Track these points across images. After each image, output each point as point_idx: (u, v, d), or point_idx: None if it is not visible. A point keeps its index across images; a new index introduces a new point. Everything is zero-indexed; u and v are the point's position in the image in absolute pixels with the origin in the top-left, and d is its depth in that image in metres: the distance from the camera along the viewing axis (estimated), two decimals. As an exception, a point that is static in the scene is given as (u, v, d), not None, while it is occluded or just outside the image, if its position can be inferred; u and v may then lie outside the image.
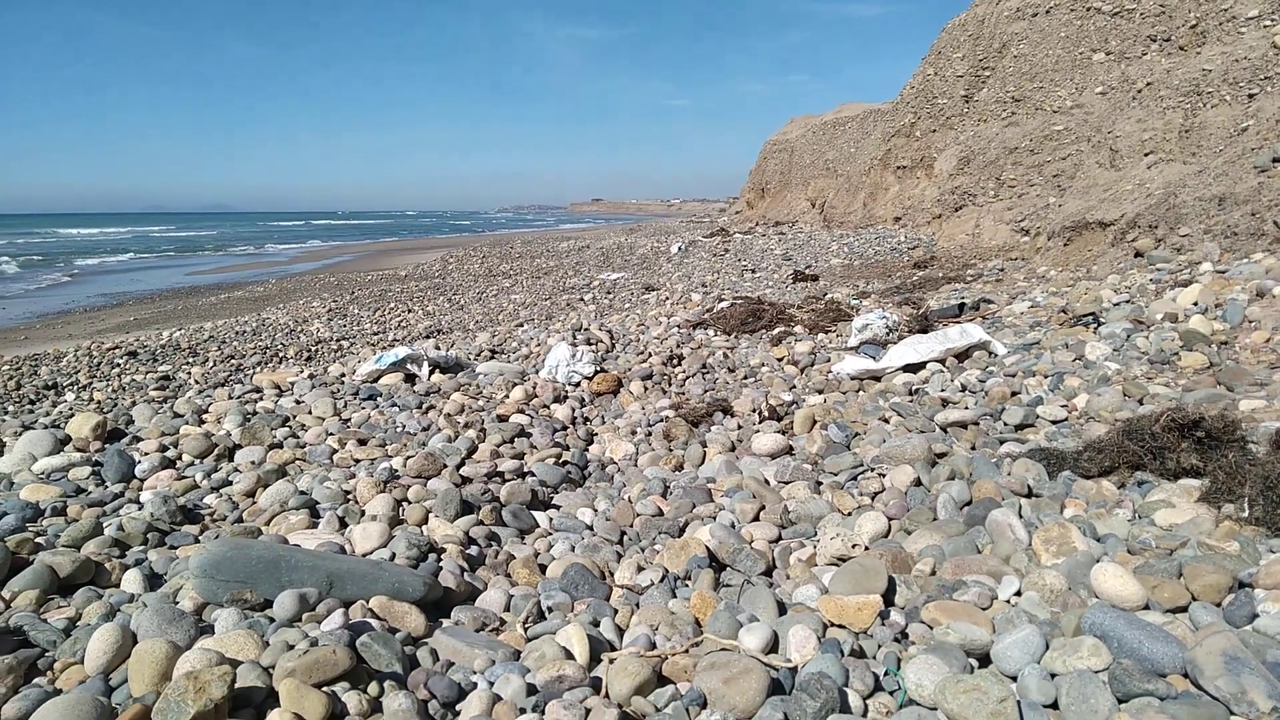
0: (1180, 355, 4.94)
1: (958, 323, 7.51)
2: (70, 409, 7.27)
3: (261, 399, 5.60)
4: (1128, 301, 6.77)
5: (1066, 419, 4.41)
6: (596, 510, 3.80)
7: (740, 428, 5.25)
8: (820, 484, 3.80)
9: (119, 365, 9.96)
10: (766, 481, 3.88)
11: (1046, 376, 5.14)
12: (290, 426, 4.80)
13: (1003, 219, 18.21)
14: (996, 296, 8.66)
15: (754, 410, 5.69)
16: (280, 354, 10.77)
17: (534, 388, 5.90)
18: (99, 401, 7.78)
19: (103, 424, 4.34)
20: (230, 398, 5.58)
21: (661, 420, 5.36)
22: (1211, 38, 11.81)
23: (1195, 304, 5.95)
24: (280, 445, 4.38)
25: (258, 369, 9.84)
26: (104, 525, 3.22)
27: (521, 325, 13.14)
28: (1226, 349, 5.05)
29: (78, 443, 4.23)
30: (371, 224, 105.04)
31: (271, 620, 2.42)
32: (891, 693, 2.16)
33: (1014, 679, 2.11)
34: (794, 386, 6.27)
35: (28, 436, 4.14)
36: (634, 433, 5.21)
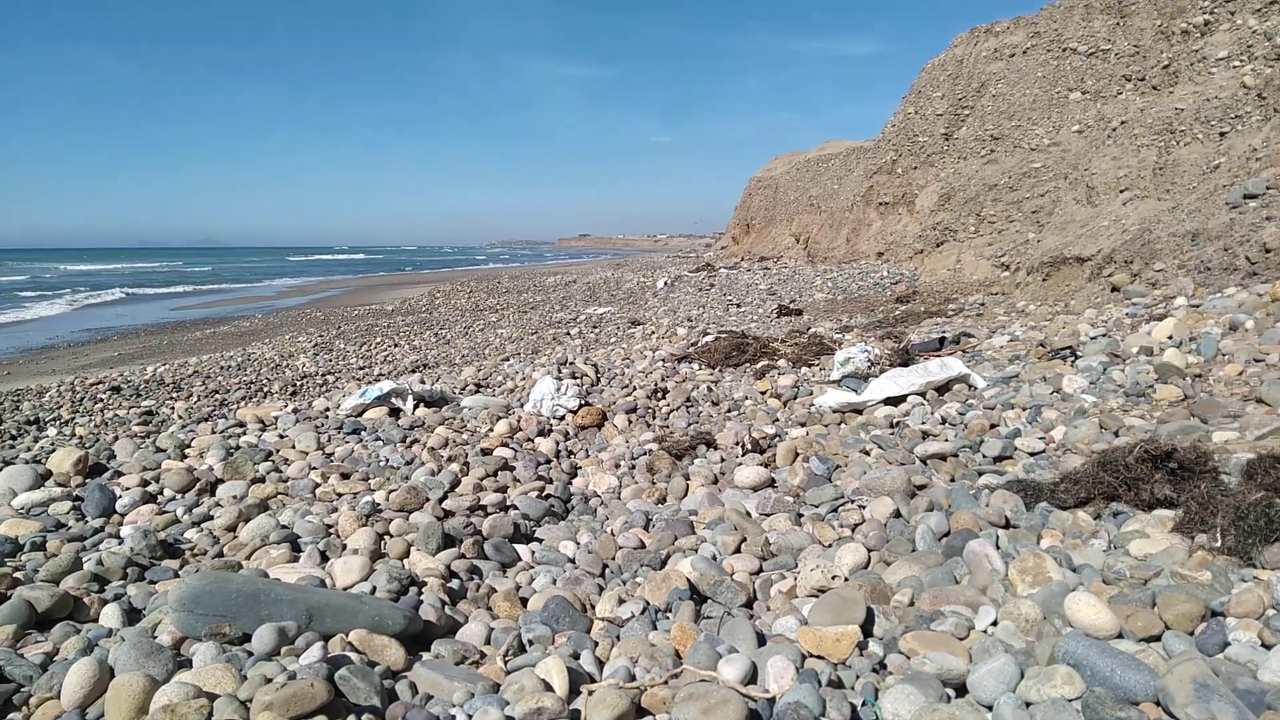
0: (1155, 388, 5.01)
1: (938, 356, 7.60)
2: (52, 444, 7.22)
3: (245, 433, 5.58)
4: (1104, 335, 6.87)
5: (1044, 450, 4.47)
6: (579, 543, 3.80)
7: (723, 460, 5.27)
8: (801, 516, 3.82)
9: (102, 400, 9.91)
10: (748, 514, 3.90)
11: (1025, 409, 5.20)
12: (273, 461, 4.79)
13: (983, 254, 18.47)
14: (976, 331, 8.76)
15: (737, 443, 5.72)
16: (265, 389, 10.74)
17: (518, 421, 5.91)
18: (81, 436, 7.73)
19: (84, 459, 4.33)
20: (214, 432, 5.57)
21: (645, 453, 5.37)
22: (1184, 77, 12.10)
23: (1170, 337, 6.05)
24: (263, 479, 4.38)
25: (242, 403, 9.80)
26: (83, 560, 3.20)
27: (507, 359, 13.15)
28: (1200, 381, 5.13)
29: (59, 478, 4.21)
30: (369, 259, 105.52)
31: (250, 654, 2.41)
32: (868, 723, 2.17)
33: (989, 708, 2.13)
34: (777, 419, 6.31)
35: (8, 471, 4.12)
36: (617, 465, 5.23)
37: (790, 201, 40.80)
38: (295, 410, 6.23)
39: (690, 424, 6.39)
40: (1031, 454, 4.45)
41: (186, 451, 5.01)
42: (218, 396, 10.24)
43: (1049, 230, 12.92)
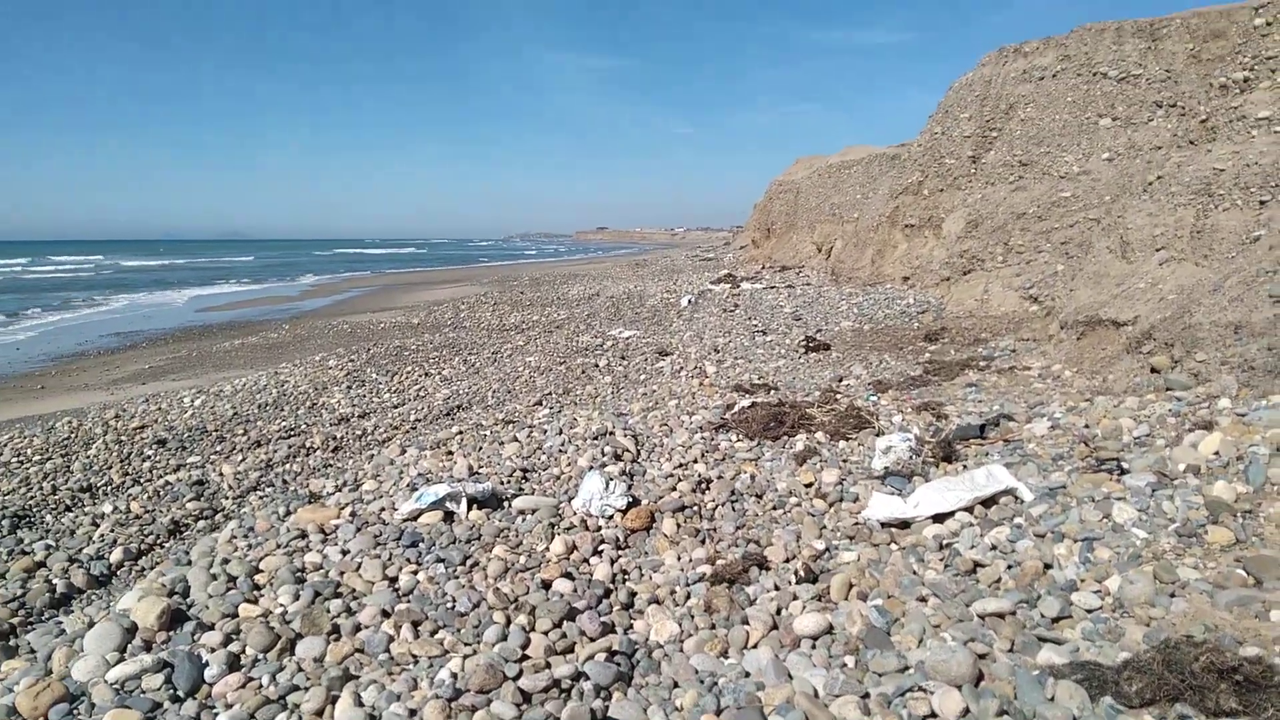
0: (1207, 529, 5.07)
1: (980, 444, 7.67)
2: (113, 535, 7.42)
3: (308, 549, 5.75)
4: (1148, 435, 6.93)
5: (1100, 608, 4.55)
6: (654, 728, 3.92)
7: (777, 589, 5.38)
8: (868, 697, 3.93)
9: (149, 458, 10.11)
10: (816, 693, 4.01)
11: (1076, 541, 5.28)
12: (342, 597, 4.94)
13: (1011, 285, 18.42)
14: (1015, 406, 8.81)
15: (788, 560, 5.85)
16: (306, 442, 10.91)
17: (571, 533, 6.07)
18: (138, 515, 7.91)
19: (166, 610, 4.49)
20: (278, 548, 5.72)
21: (699, 578, 5.51)
22: (1222, 135, 12.05)
23: (1217, 454, 6.09)
24: (338, 634, 4.52)
25: (287, 464, 9.97)
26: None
27: (539, 402, 13.33)
28: (1250, 519, 5.19)
29: (144, 633, 4.37)
30: (397, 254, 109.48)
31: None
32: None
33: None
34: (824, 527, 6.42)
35: (96, 633, 4.28)
36: (673, 593, 5.36)
37: (812, 208, 40.68)
38: (353, 514, 6.38)
39: (738, 528, 6.51)
40: (1088, 611, 4.54)
41: (257, 579, 5.17)
42: (262, 453, 10.41)
43: (1081, 281, 12.89)
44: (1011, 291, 18.28)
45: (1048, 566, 5.10)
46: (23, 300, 39.44)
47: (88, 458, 10.13)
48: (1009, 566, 5.22)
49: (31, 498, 8.56)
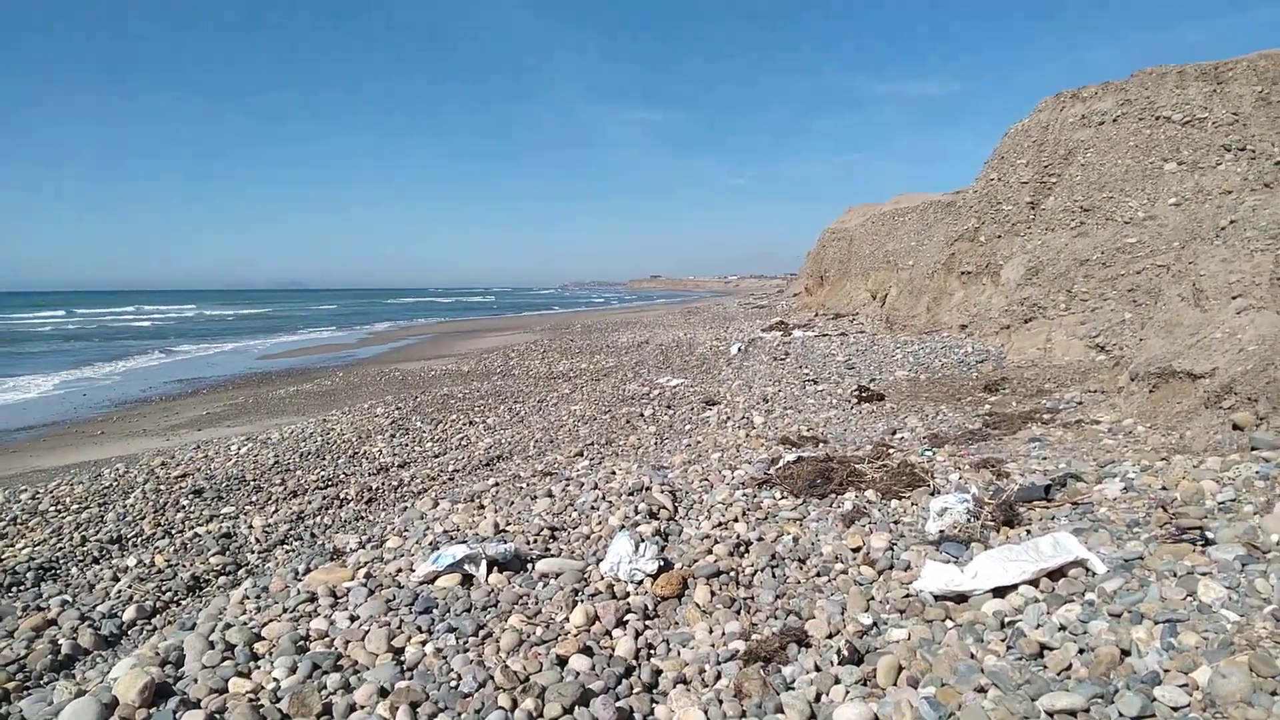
0: (1310, 613, 4.44)
1: (1046, 506, 7.07)
2: (130, 591, 7.21)
3: (316, 613, 5.42)
4: (1234, 501, 6.27)
5: (1188, 705, 3.95)
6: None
7: (818, 669, 4.87)
8: (918, 810, 3.41)
9: (184, 509, 9.96)
10: (857, 803, 3.50)
11: (1157, 623, 4.67)
12: (342, 670, 4.58)
13: (1076, 334, 17.63)
14: (1083, 464, 8.16)
15: (830, 635, 5.33)
16: (341, 493, 10.68)
17: (595, 600, 5.63)
18: (160, 570, 7.70)
19: (150, 685, 4.17)
20: (284, 612, 5.41)
21: (731, 656, 5.02)
22: (1302, 176, 11.38)
23: (1314, 524, 5.44)
24: (329, 714, 4.15)
25: (318, 517, 9.74)
26: None
27: (581, 453, 12.97)
28: (1360, 603, 4.54)
29: (123, 710, 4.05)
30: (457, 304, 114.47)
31: None
32: None
33: None
34: (872, 598, 5.87)
35: (73, 710, 3.98)
36: (702, 672, 4.88)
37: (865, 255, 40.08)
38: (368, 576, 6.05)
39: (777, 597, 6.01)
40: (1174, 709, 3.94)
41: (256, 648, 4.85)
42: (296, 504, 10.21)
43: (1152, 330, 12.15)
44: (1076, 340, 17.48)
45: (1125, 653, 4.49)
46: (104, 348, 41.42)
47: (124, 507, 10.03)
48: (1080, 651, 4.63)
49: (60, 549, 8.43)
